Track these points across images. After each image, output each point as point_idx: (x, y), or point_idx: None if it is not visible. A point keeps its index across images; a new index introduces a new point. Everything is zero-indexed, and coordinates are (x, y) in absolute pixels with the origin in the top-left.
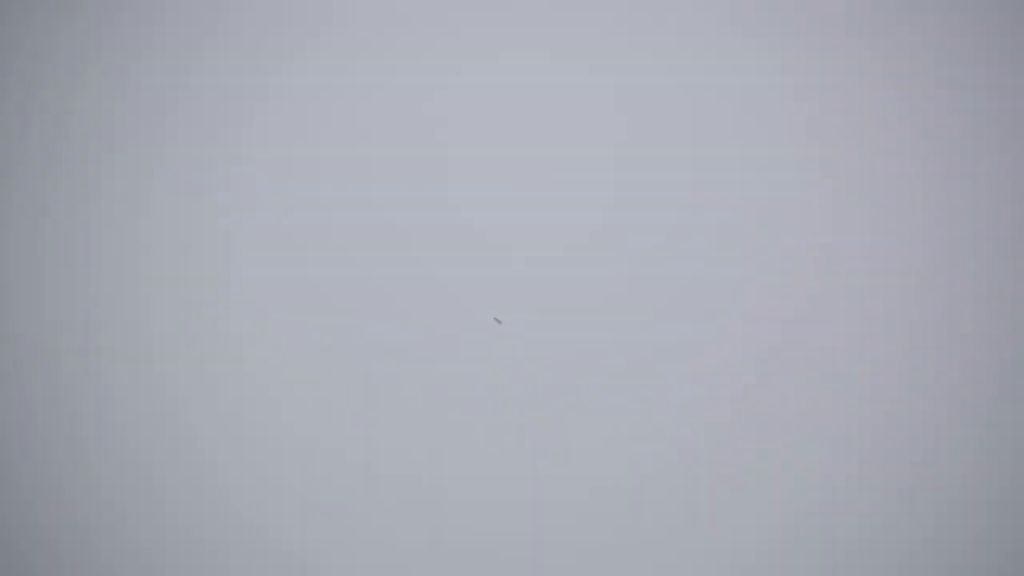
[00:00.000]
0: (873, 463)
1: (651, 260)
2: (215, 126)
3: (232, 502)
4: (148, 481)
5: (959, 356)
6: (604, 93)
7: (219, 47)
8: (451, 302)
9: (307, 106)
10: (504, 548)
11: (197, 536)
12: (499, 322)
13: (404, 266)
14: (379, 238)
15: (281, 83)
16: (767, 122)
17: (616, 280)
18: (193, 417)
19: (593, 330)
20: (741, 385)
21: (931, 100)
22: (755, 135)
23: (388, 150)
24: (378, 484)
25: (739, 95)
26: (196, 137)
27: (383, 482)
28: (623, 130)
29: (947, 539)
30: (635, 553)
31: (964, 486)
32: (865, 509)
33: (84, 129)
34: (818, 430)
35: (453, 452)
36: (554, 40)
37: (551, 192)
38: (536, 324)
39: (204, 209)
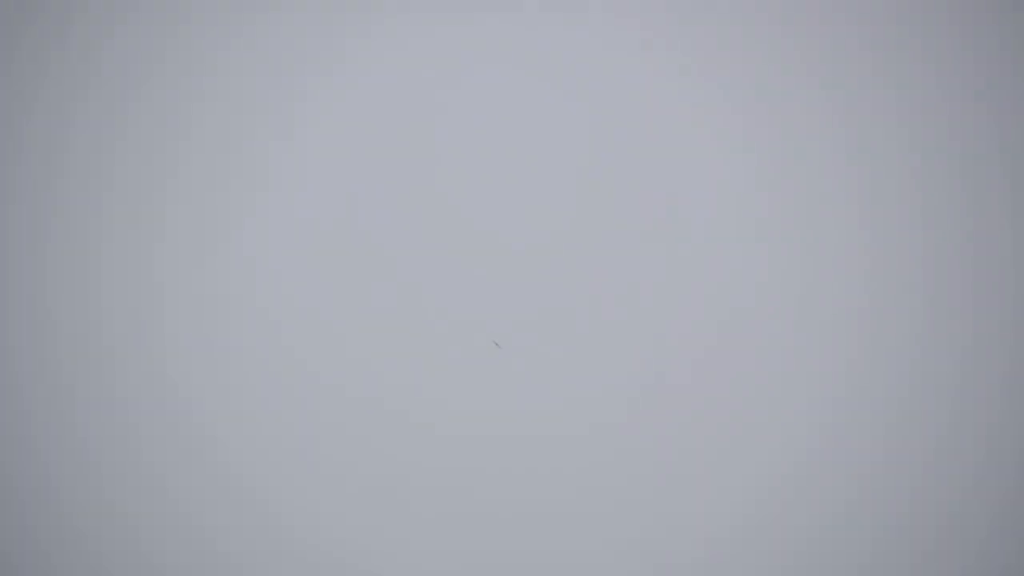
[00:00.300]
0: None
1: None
2: (216, 131)
3: (241, 496)
4: (150, 478)
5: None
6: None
7: (218, 51)
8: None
9: (320, 107)
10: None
11: (199, 525)
12: (498, 346)
13: (415, 260)
14: (388, 237)
15: (291, 86)
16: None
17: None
18: (197, 415)
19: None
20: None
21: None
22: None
23: (393, 151)
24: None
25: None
26: (202, 142)
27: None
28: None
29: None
30: (616, 491)
31: (915, 486)
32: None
33: (86, 132)
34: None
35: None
36: (540, 46)
37: (531, 194)
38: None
39: (207, 207)
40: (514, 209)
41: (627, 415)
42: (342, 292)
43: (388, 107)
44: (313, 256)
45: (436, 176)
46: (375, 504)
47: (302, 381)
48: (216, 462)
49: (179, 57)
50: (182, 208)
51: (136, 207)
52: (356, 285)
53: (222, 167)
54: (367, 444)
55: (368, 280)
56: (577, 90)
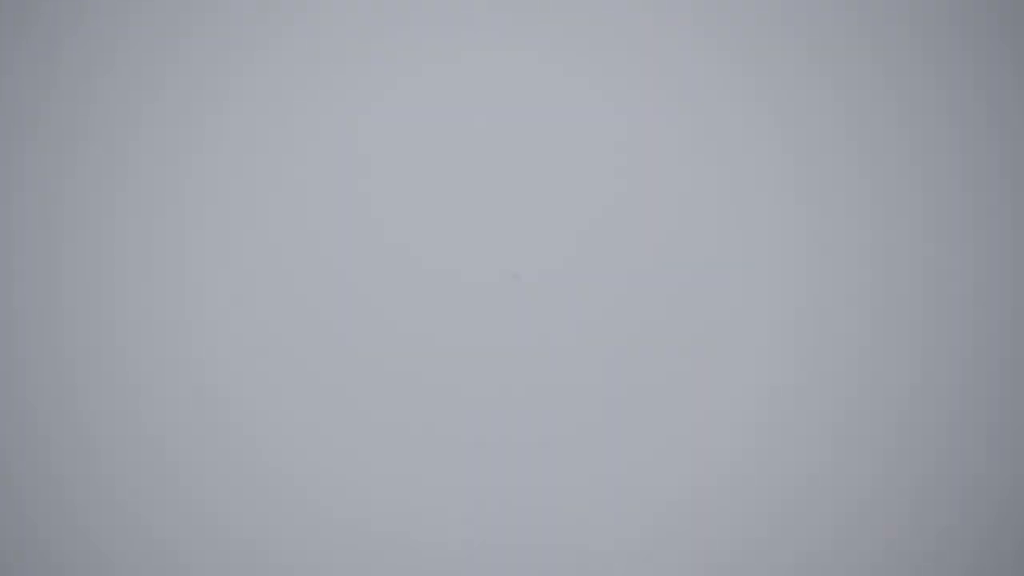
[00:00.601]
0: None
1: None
2: (176, 129)
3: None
4: (116, 486)
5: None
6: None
7: (180, 54)
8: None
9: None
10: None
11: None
12: (518, 277)
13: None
14: (364, 244)
15: (250, 83)
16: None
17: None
18: (163, 423)
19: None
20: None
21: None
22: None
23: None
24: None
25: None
26: (162, 139)
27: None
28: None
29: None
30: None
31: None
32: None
33: (54, 128)
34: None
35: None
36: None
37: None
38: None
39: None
40: (503, 235)
41: (621, 418)
42: (341, 296)
43: (389, 127)
44: (305, 262)
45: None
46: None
47: (303, 378)
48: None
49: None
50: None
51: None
52: (344, 295)
53: (182, 171)
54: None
55: (357, 290)
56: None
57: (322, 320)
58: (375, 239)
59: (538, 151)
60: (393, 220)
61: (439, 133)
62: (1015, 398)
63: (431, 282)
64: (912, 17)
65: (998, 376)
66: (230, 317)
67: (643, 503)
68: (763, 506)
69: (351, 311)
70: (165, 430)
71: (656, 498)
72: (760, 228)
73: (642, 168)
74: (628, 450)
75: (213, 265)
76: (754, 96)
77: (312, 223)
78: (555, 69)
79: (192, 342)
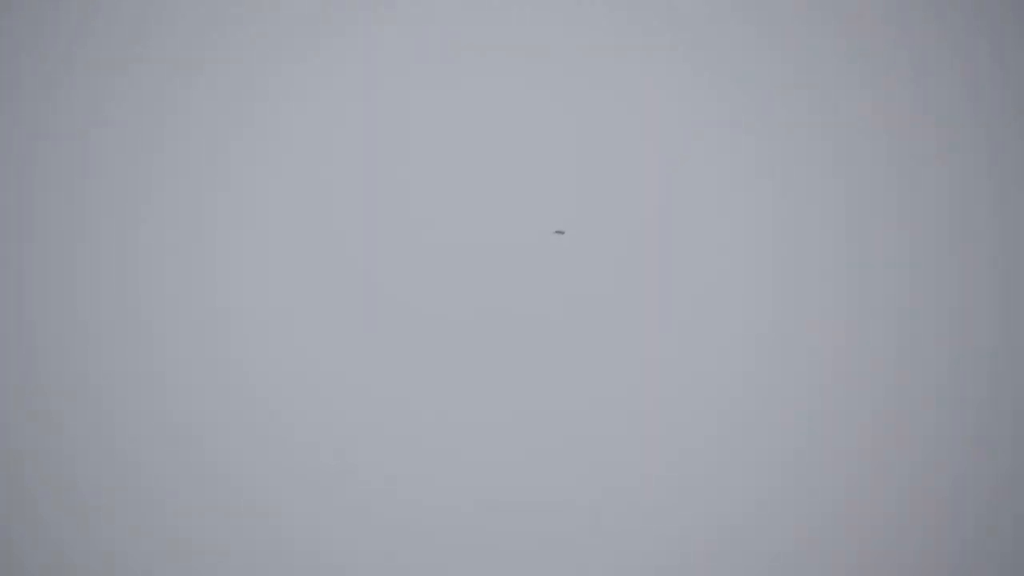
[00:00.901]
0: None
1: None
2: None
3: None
4: (143, 481)
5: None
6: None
7: (211, 53)
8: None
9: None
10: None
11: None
12: (561, 233)
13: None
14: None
15: (279, 85)
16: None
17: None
18: (188, 416)
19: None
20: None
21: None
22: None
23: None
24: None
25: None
26: (189, 139)
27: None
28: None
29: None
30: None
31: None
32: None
33: (71, 130)
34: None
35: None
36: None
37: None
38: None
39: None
40: (504, 214)
41: (620, 425)
42: (338, 297)
43: (386, 114)
44: (305, 261)
45: (422, 182)
46: (364, 515)
47: (294, 389)
48: (204, 467)
49: (162, 58)
50: (166, 209)
51: (117, 207)
52: (347, 291)
53: (213, 171)
54: (360, 452)
55: (360, 285)
56: (568, 93)
57: (349, 309)
58: (397, 230)
59: (532, 161)
60: (413, 213)
61: (457, 136)
62: (992, 393)
63: (445, 262)
64: (886, 19)
65: (973, 374)
66: (260, 307)
67: (624, 480)
68: (739, 494)
69: (374, 300)
70: (195, 422)
71: (636, 479)
72: (736, 230)
73: (632, 173)
74: (610, 431)
75: (243, 256)
76: (729, 108)
77: (338, 224)
78: (556, 71)
79: (222, 335)
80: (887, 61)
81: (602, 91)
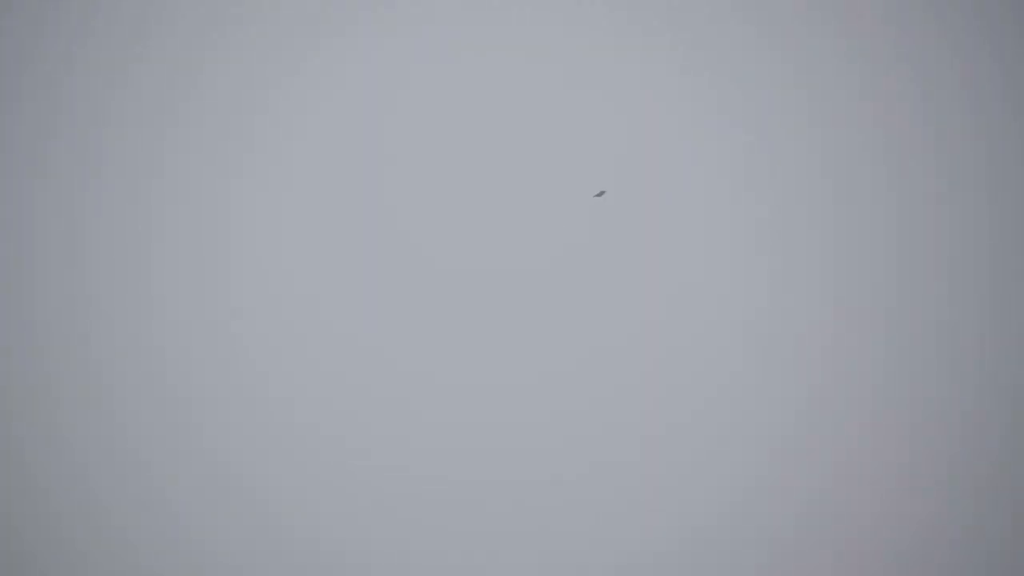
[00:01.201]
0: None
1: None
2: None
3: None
4: (146, 483)
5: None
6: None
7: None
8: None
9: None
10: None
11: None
12: (602, 194)
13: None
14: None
15: (280, 90)
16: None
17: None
18: (197, 418)
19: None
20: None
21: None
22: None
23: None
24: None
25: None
26: (195, 142)
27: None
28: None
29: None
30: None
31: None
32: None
33: (71, 130)
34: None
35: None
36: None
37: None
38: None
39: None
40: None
41: (614, 423)
42: (340, 296)
43: (394, 115)
44: (305, 260)
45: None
46: (372, 507)
47: (302, 385)
48: (214, 465)
49: (167, 57)
50: (174, 210)
51: (126, 208)
52: (352, 290)
53: (217, 175)
54: (365, 447)
55: (365, 284)
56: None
57: (348, 310)
58: (392, 237)
59: (530, 163)
60: (406, 221)
61: (449, 134)
62: (982, 391)
63: (440, 276)
64: (887, 19)
65: (961, 371)
66: (262, 311)
67: (618, 472)
68: (727, 492)
69: (372, 306)
70: (202, 422)
71: (629, 473)
72: (736, 230)
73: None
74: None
75: (245, 256)
76: (729, 108)
77: (332, 227)
78: (556, 72)
79: (223, 338)
80: (887, 61)
81: (602, 91)
